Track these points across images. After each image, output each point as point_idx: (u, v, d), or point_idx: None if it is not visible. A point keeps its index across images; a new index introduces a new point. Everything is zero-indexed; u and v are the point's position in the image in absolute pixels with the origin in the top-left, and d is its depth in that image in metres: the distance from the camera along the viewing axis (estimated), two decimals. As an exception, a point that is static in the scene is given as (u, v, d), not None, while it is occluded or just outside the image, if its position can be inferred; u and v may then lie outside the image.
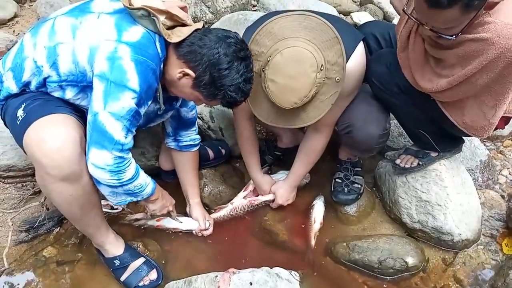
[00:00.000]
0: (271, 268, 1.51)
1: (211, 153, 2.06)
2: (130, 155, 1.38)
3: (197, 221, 1.83)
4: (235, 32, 1.39)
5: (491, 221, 1.92)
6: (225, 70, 1.31)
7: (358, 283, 1.70)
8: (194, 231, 1.83)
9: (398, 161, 1.86)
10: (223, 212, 1.93)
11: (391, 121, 2.18)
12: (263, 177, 1.99)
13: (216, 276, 1.38)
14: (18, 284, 1.63)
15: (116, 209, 1.90)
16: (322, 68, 1.43)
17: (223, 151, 2.11)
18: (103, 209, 1.77)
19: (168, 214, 1.77)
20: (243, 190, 2.01)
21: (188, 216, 1.87)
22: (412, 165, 1.83)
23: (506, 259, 1.75)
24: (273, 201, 1.97)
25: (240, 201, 1.96)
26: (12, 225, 1.74)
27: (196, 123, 1.80)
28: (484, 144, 2.27)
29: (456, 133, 1.72)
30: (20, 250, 1.73)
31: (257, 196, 1.99)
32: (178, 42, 1.34)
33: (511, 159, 2.28)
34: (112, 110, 1.27)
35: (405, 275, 1.69)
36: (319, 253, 1.82)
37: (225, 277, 1.35)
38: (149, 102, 1.37)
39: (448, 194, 1.77)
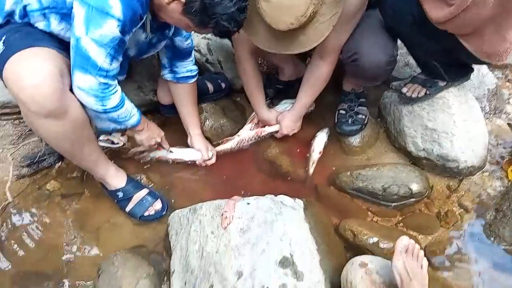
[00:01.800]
0: (276, 196, 1.51)
1: (210, 87, 2.00)
2: (115, 82, 1.35)
3: (199, 152, 1.81)
4: None
5: (497, 149, 1.90)
6: None
7: (362, 209, 1.71)
8: (197, 162, 1.82)
9: (404, 90, 1.80)
10: (230, 144, 1.91)
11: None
12: (269, 113, 1.95)
13: (221, 204, 1.38)
14: (23, 217, 1.63)
15: (117, 143, 1.87)
16: None
17: (222, 84, 2.05)
18: (103, 144, 1.76)
19: (159, 146, 1.75)
20: (248, 122, 1.98)
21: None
22: (420, 95, 1.77)
23: (511, 185, 1.74)
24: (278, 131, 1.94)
25: (247, 132, 1.94)
26: (12, 160, 1.73)
27: (193, 53, 1.72)
28: (492, 72, 2.20)
29: (471, 61, 1.65)
30: (23, 184, 1.72)
31: (263, 127, 1.96)
32: None
33: (519, 87, 2.22)
34: (95, 37, 1.21)
35: (409, 201, 1.69)
36: (323, 183, 1.82)
37: (230, 203, 1.35)
38: (135, 29, 1.31)
39: (455, 121, 1.73)
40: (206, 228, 1.35)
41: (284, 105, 2.02)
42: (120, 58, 1.32)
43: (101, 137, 1.78)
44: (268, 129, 1.95)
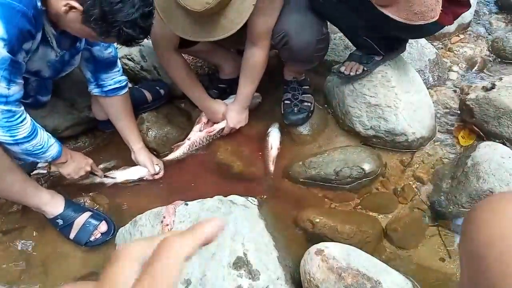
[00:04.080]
0: (225, 197, 1.44)
1: (148, 95, 1.91)
2: (21, 108, 1.25)
3: (144, 167, 1.72)
4: None
5: (446, 117, 1.90)
6: (117, 4, 1.14)
7: (319, 197, 1.66)
8: (145, 178, 1.73)
9: (342, 69, 1.77)
10: (181, 149, 1.83)
11: (336, 35, 2.11)
12: (216, 102, 1.88)
13: (161, 211, 1.29)
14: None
15: (56, 171, 1.76)
16: None
17: (161, 91, 1.96)
18: (42, 171, 1.66)
19: (91, 175, 1.66)
20: (196, 123, 1.90)
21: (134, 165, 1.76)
22: (358, 72, 1.74)
23: (464, 150, 1.73)
24: None
25: (197, 134, 1.86)
26: None
27: (118, 62, 1.63)
28: (431, 43, 2.20)
29: (401, 35, 1.64)
30: (-44, 225, 1.59)
31: (213, 125, 1.89)
32: None
33: (460, 54, 2.23)
34: None
35: (363, 181, 1.66)
36: (277, 177, 1.76)
37: (169, 208, 1.27)
38: (28, 46, 1.21)
39: (397, 93, 1.71)
40: (148, 240, 1.25)
41: (231, 100, 1.94)
42: (19, 81, 1.21)
43: (40, 164, 1.68)
44: (218, 126, 1.87)
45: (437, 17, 1.39)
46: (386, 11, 1.37)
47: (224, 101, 1.93)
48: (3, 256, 1.52)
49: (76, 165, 1.54)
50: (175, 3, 1.37)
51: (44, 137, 1.35)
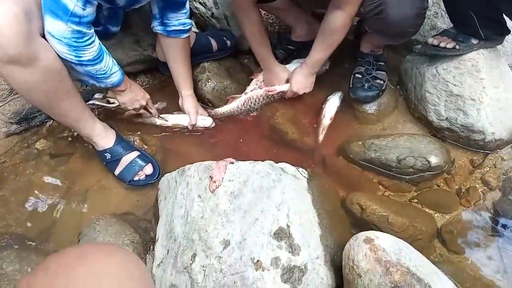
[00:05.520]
0: (277, 163, 1.37)
1: (214, 44, 1.83)
2: (91, 30, 1.22)
3: (188, 114, 1.67)
4: None
5: (530, 122, 1.70)
6: None
7: (373, 182, 1.56)
8: (189, 127, 1.69)
9: (430, 40, 1.61)
10: (236, 103, 1.76)
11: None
12: (278, 65, 1.79)
13: (211, 165, 1.24)
14: (10, 175, 1.54)
15: (113, 103, 1.75)
16: None
17: (228, 42, 1.87)
18: (98, 102, 1.64)
19: (145, 110, 1.63)
20: (254, 78, 1.82)
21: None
22: (448, 46, 1.57)
23: (543, 163, 1.55)
24: None
25: (255, 91, 1.78)
26: (1, 116, 1.63)
27: (187, 5, 1.55)
28: (530, 38, 1.96)
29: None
30: (11, 142, 1.62)
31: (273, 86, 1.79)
32: None
33: (559, 56, 1.97)
34: None
35: (426, 175, 1.53)
36: (332, 153, 1.66)
37: (220, 165, 1.21)
38: None
39: (484, 87, 1.53)
40: (193, 190, 1.21)
41: (295, 65, 1.83)
42: (95, 2, 1.17)
43: (96, 95, 1.67)
44: (279, 88, 1.77)
45: None
46: None
47: (287, 65, 1.83)
48: (48, 178, 1.54)
49: (133, 96, 1.53)
50: None
51: (109, 64, 1.34)
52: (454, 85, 1.57)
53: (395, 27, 1.51)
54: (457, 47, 1.56)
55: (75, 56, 1.21)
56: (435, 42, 1.60)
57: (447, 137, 1.63)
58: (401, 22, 1.47)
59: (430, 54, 1.64)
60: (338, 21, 1.57)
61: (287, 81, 1.78)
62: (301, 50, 1.94)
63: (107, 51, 1.34)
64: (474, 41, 1.56)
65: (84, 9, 1.14)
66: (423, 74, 1.66)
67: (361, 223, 1.39)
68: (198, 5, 1.96)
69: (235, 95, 1.78)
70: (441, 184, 1.54)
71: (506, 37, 1.82)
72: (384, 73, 1.78)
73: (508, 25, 1.59)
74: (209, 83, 1.80)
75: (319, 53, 1.69)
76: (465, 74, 1.56)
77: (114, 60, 1.39)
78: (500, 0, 1.39)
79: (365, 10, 1.50)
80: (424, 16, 1.53)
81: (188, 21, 1.59)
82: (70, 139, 1.65)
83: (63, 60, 1.23)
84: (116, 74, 1.39)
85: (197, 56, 1.79)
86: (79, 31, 1.17)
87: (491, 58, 1.60)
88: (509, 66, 1.78)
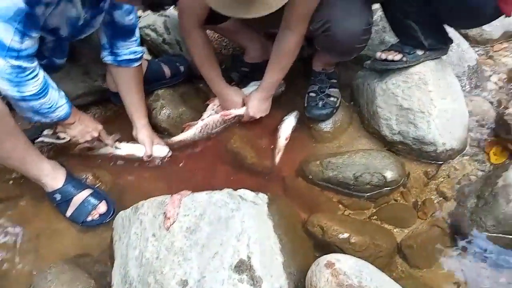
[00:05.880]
0: (235, 190, 1.35)
1: (167, 71, 1.81)
2: (34, 64, 1.18)
3: (143, 145, 1.63)
4: None
5: (478, 130, 1.76)
6: None
7: (333, 202, 1.56)
8: (144, 158, 1.64)
9: (378, 54, 1.65)
10: (193, 130, 1.73)
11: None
12: (231, 88, 1.77)
13: (165, 200, 1.21)
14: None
15: (63, 138, 1.68)
16: None
17: (181, 67, 1.85)
18: (47, 139, 1.58)
19: (97, 142, 1.58)
20: (210, 103, 1.80)
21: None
22: (395, 58, 1.61)
23: (494, 169, 1.60)
24: None
25: (212, 116, 1.75)
26: None
27: (137, 32, 1.53)
28: (473, 48, 2.05)
29: (453, 22, 1.56)
30: (-47, 187, 1.54)
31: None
32: None
33: (501, 64, 2.07)
34: None
35: (383, 190, 1.55)
36: (291, 174, 1.66)
37: (174, 199, 1.17)
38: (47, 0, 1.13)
39: (432, 99, 1.57)
40: (147, 229, 1.17)
41: (252, 88, 1.82)
42: (34, 35, 1.14)
43: (45, 131, 1.60)
44: (235, 112, 1.76)
45: None
46: None
47: (244, 88, 1.82)
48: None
49: (83, 128, 1.49)
50: None
51: (54, 97, 1.29)
52: (404, 99, 1.61)
53: (342, 44, 1.54)
54: (404, 59, 1.60)
55: (17, 92, 1.16)
56: (383, 56, 1.64)
57: (401, 151, 1.66)
58: (347, 38, 1.51)
59: (380, 69, 1.67)
60: (289, 42, 1.59)
61: (243, 103, 1.77)
62: (255, 72, 1.93)
63: (53, 84, 1.30)
64: (420, 52, 1.60)
65: (21, 43, 1.10)
66: (374, 89, 1.70)
67: (323, 245, 1.38)
68: (149, 32, 1.94)
69: (192, 122, 1.75)
70: (398, 198, 1.56)
71: (453, 47, 1.90)
72: (337, 90, 1.81)
73: (450, 35, 1.66)
74: (164, 111, 1.77)
75: (274, 75, 1.70)
76: (413, 88, 1.60)
77: (62, 92, 1.35)
78: (439, 9, 1.43)
79: (313, 28, 1.53)
80: (370, 31, 1.57)
81: (139, 49, 1.57)
82: (17, 181, 1.56)
83: (5, 97, 1.18)
84: (63, 107, 1.34)
85: (150, 84, 1.76)
86: (19, 66, 1.13)
87: (437, 70, 1.64)
88: (456, 76, 1.84)
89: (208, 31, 1.78)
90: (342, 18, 1.46)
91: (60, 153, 1.62)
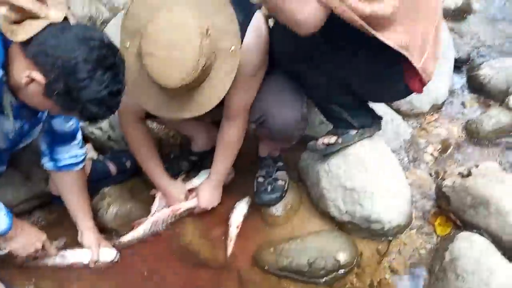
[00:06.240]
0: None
1: (112, 168, 1.79)
2: None
3: (89, 249, 1.57)
4: (102, 32, 1.17)
5: (421, 202, 1.82)
6: (84, 80, 1.07)
7: (291, 291, 1.53)
8: (90, 264, 1.57)
9: (319, 142, 1.71)
10: (142, 228, 1.68)
11: (312, 110, 2.07)
12: (173, 184, 1.77)
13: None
14: None
15: (4, 248, 1.59)
16: (208, 33, 1.26)
17: (127, 163, 1.84)
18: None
19: (41, 251, 1.50)
20: (156, 195, 1.77)
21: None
22: (331, 141, 1.68)
23: (441, 241, 1.65)
24: None
25: (162, 212, 1.72)
26: None
27: (79, 134, 1.53)
28: (406, 122, 2.18)
29: (370, 96, 1.64)
30: None
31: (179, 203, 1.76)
32: (25, 40, 1.08)
33: (434, 135, 2.21)
34: None
35: (339, 273, 1.55)
36: (246, 265, 1.62)
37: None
38: None
39: (372, 178, 1.64)
40: None
41: (202, 177, 1.84)
42: None
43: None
44: (185, 205, 1.75)
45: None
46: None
47: (193, 180, 1.83)
48: None
49: (25, 241, 1.41)
50: (148, 78, 1.31)
51: None
52: (346, 179, 1.66)
53: (279, 134, 1.61)
54: (339, 140, 1.67)
55: None
56: (322, 142, 1.70)
57: (351, 230, 1.68)
58: (283, 129, 1.58)
59: (320, 154, 1.73)
60: (231, 132, 1.65)
61: (187, 197, 1.76)
62: (204, 159, 1.96)
63: None
64: (353, 132, 1.67)
65: None
66: (318, 171, 1.75)
67: None
68: (93, 130, 1.93)
69: (141, 220, 1.71)
70: (354, 280, 1.55)
71: (388, 122, 2.01)
72: (284, 172, 1.85)
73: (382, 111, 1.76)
74: (111, 210, 1.71)
75: (221, 164, 1.73)
76: (353, 168, 1.66)
77: (1, 205, 1.29)
78: (358, 91, 1.52)
79: (252, 120, 1.61)
80: (305, 119, 1.65)
81: (81, 151, 1.56)
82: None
83: None
84: (2, 220, 1.28)
85: (95, 184, 1.73)
86: None
87: (374, 148, 1.72)
88: (393, 151, 1.93)
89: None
90: (275, 111, 1.53)
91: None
